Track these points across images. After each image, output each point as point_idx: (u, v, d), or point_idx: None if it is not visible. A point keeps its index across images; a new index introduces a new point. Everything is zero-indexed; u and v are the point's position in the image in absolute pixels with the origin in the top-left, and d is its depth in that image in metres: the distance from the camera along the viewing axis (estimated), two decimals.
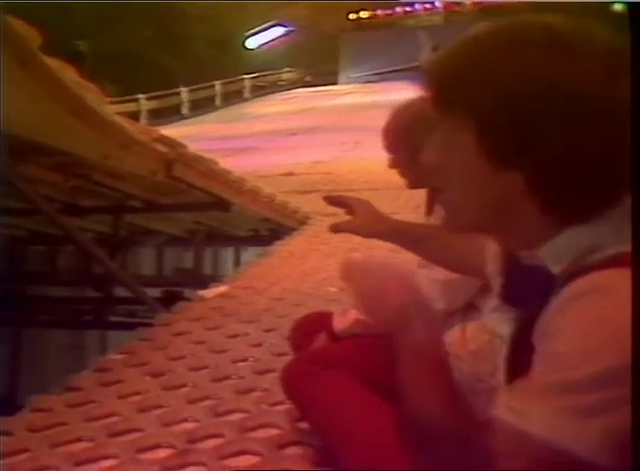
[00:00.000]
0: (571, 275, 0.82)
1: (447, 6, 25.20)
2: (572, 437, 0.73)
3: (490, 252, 1.06)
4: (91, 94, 2.67)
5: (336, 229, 1.51)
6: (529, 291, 0.91)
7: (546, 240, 0.87)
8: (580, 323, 0.77)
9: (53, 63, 2.40)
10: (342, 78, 24.72)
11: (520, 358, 0.92)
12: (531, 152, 0.83)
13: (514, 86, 0.82)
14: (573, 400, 0.74)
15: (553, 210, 0.86)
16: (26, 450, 1.80)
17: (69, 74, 2.55)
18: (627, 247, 0.81)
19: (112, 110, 3.17)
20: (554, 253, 0.86)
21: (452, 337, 1.61)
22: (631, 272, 0.76)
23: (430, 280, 1.60)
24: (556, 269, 0.86)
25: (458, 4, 24.94)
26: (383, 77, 21.04)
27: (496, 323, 1.02)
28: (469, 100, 0.85)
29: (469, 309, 1.62)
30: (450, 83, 0.88)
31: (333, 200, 1.58)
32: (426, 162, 0.93)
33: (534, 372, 0.80)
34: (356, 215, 1.51)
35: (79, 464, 1.71)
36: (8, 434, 1.90)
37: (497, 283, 1.01)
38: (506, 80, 0.83)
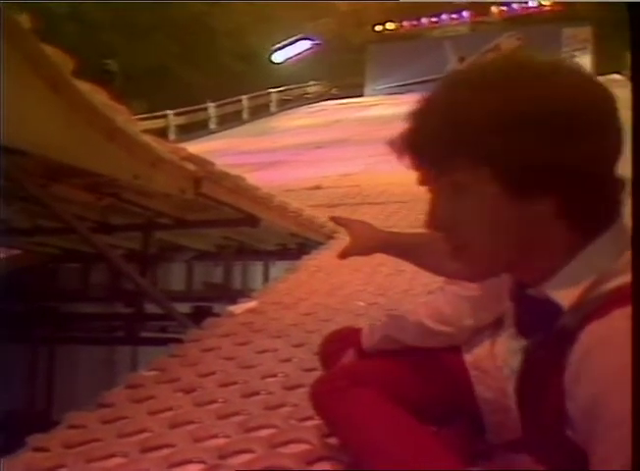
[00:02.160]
0: (586, 314, 0.82)
1: (473, 16, 25.10)
2: None
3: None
4: (122, 116, 2.73)
5: (342, 256, 1.67)
6: (536, 322, 0.92)
7: (557, 271, 0.87)
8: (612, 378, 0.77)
9: (84, 86, 2.46)
10: (368, 90, 24.70)
11: (530, 391, 0.92)
12: (553, 174, 0.83)
13: (510, 122, 0.82)
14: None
15: (580, 223, 0.85)
16: (62, 466, 1.84)
17: (99, 97, 2.61)
18: (628, 275, 0.80)
19: (141, 128, 3.22)
20: (563, 284, 0.87)
21: (480, 352, 1.62)
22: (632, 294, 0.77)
23: (458, 296, 1.61)
24: (566, 301, 0.86)
25: (485, 14, 24.82)
26: (409, 88, 20.95)
27: (507, 352, 1.02)
28: (471, 150, 0.85)
29: (498, 325, 1.63)
30: (440, 142, 0.87)
31: (335, 220, 1.74)
32: (437, 226, 0.93)
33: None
34: (352, 237, 1.65)
35: None
36: (44, 450, 1.94)
37: (510, 309, 1.01)
38: (498, 119, 0.83)
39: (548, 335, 0.88)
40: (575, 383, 0.81)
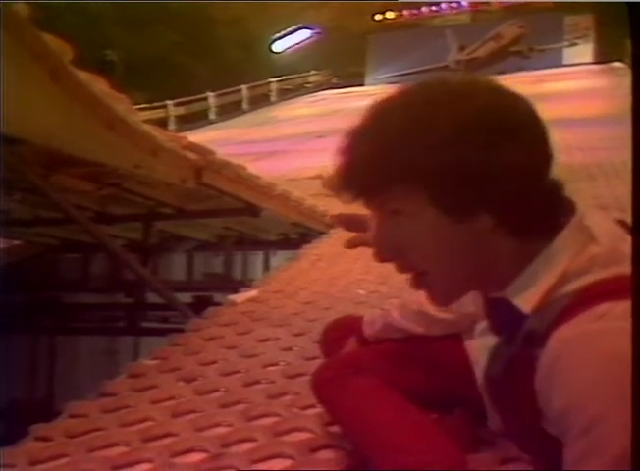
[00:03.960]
0: (552, 316, 0.82)
1: (473, 5, 24.95)
2: None
3: None
4: (122, 105, 2.71)
5: (349, 245, 1.61)
6: (504, 321, 0.92)
7: (513, 279, 0.88)
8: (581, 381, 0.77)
9: (84, 76, 2.45)
10: (369, 79, 24.58)
11: (501, 388, 0.92)
12: (489, 192, 0.84)
13: (436, 142, 0.83)
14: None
15: (524, 230, 0.87)
16: (64, 456, 1.84)
17: (99, 86, 2.59)
18: (589, 275, 0.81)
19: (141, 118, 3.21)
20: (522, 288, 0.87)
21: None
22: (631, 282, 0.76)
23: None
24: (527, 304, 0.87)
25: (485, 3, 24.67)
26: (410, 77, 20.86)
27: (477, 348, 1.02)
28: (403, 174, 0.86)
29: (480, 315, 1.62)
30: (373, 171, 0.87)
31: (341, 221, 1.65)
32: (385, 256, 0.93)
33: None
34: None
35: (115, 469, 1.74)
36: (46, 439, 1.94)
37: (482, 307, 1.02)
38: (424, 140, 0.84)
39: (516, 335, 0.89)
40: (547, 390, 0.82)
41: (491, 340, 0.97)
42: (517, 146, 0.84)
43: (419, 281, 0.94)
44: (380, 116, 0.90)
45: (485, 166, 0.83)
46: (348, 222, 1.61)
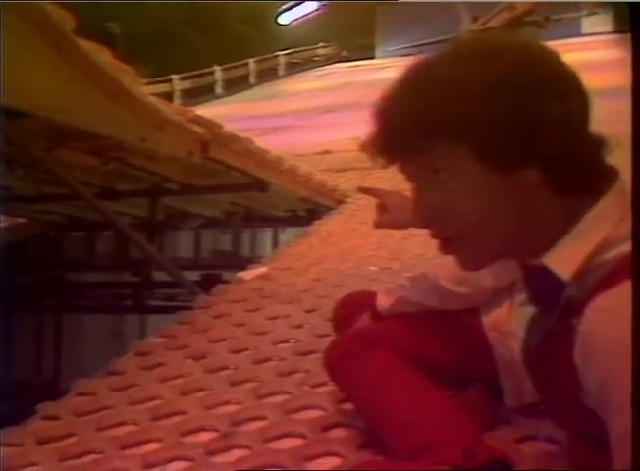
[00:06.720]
0: (591, 284, 0.79)
1: None
2: None
3: None
4: (127, 76, 2.65)
5: (376, 226, 1.65)
6: (544, 291, 0.89)
7: (555, 242, 0.85)
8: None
9: (88, 45, 2.39)
10: (379, 51, 24.29)
11: (541, 360, 0.89)
12: (534, 142, 0.82)
13: (481, 92, 0.82)
14: None
15: (569, 188, 0.84)
16: (72, 434, 1.81)
17: (104, 56, 2.53)
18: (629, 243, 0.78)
19: (147, 91, 3.16)
20: (562, 254, 0.84)
21: (499, 314, 1.57)
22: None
23: None
24: (566, 271, 0.83)
25: None
26: (421, 49, 20.59)
27: (516, 320, 1.01)
28: (445, 129, 0.84)
29: (518, 286, 1.57)
30: (413, 129, 0.86)
31: (367, 191, 1.71)
32: (427, 219, 0.92)
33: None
34: (389, 209, 1.57)
35: (124, 448, 1.72)
36: (54, 418, 1.92)
37: (520, 277, 0.99)
38: (469, 90, 0.83)
39: (556, 304, 0.86)
40: (584, 363, 0.79)
41: (530, 312, 0.94)
42: (558, 97, 0.83)
43: (452, 245, 0.91)
44: (418, 73, 0.89)
45: (529, 115, 0.82)
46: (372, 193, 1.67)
